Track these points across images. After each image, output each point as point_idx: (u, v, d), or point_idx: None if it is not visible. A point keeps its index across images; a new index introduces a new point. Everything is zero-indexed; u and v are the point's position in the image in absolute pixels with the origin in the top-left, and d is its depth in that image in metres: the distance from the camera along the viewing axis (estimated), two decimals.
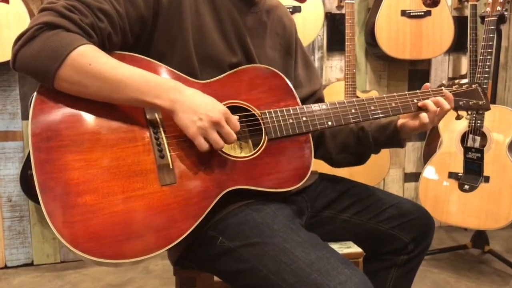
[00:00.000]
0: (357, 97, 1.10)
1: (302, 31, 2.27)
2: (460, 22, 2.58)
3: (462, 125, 2.16)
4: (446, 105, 1.10)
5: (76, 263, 2.36)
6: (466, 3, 2.60)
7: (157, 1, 0.98)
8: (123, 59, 0.91)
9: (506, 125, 2.09)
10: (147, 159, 0.89)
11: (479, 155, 2.06)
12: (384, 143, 1.18)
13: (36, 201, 0.89)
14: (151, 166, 0.88)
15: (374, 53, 2.56)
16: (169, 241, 0.85)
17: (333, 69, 2.61)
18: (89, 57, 0.86)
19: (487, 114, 2.11)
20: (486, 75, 2.07)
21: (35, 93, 0.88)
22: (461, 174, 2.12)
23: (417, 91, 1.13)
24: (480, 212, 2.06)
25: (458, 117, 1.17)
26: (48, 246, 2.37)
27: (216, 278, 1.09)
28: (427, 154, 2.39)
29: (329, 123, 1.06)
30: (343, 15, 2.37)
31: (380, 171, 2.43)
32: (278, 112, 1.03)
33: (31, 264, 2.36)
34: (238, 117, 0.95)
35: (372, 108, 1.09)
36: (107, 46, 0.93)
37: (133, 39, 0.99)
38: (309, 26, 2.33)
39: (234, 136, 0.91)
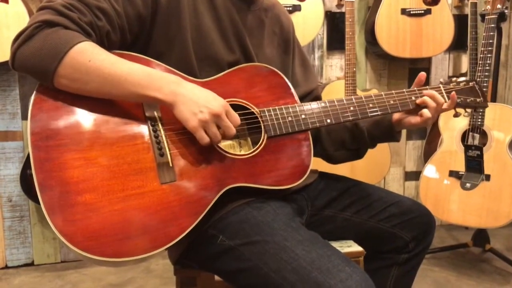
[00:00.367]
0: (357, 95, 1.10)
1: (302, 30, 2.28)
2: (460, 20, 2.58)
3: (463, 123, 2.16)
4: (440, 99, 1.10)
5: (77, 263, 2.36)
6: (466, 1, 2.60)
7: (156, 0, 0.98)
8: (121, 57, 0.91)
9: (506, 123, 2.08)
10: (146, 157, 0.89)
11: (478, 152, 2.06)
12: (379, 137, 1.19)
13: (36, 201, 0.89)
14: (151, 164, 0.88)
15: (374, 51, 2.56)
16: (169, 239, 0.85)
17: (333, 67, 2.61)
18: (88, 54, 0.86)
19: (487, 112, 2.11)
20: (486, 74, 2.07)
21: (34, 92, 0.88)
22: (462, 173, 2.12)
23: (415, 88, 1.14)
24: (481, 210, 2.06)
25: (456, 115, 1.18)
26: (49, 246, 2.37)
27: (216, 278, 1.08)
28: (428, 153, 2.39)
29: (328, 120, 1.06)
30: (343, 14, 2.37)
31: (381, 170, 2.43)
32: (277, 110, 1.03)
33: (31, 264, 2.36)
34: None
35: (371, 105, 1.09)
36: (105, 44, 0.93)
37: (132, 38, 0.99)
38: (309, 25, 2.33)
39: (234, 130, 0.91)
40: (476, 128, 2.12)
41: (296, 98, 1.09)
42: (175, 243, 0.86)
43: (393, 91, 1.12)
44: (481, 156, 2.05)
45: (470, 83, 1.19)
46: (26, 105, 2.26)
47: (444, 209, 2.14)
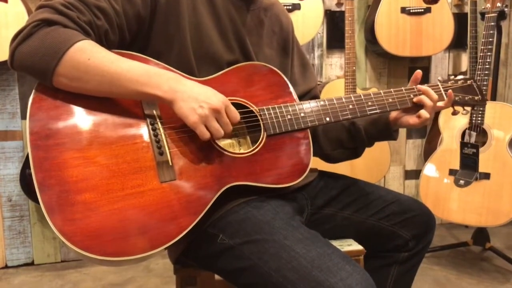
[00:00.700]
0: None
1: (301, 29, 2.28)
2: (460, 19, 2.58)
3: (463, 122, 2.16)
4: (434, 96, 1.10)
5: (77, 263, 2.36)
6: None
7: None
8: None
9: (506, 122, 2.08)
10: (146, 156, 0.88)
11: (474, 150, 2.06)
12: (376, 136, 1.19)
13: (36, 201, 0.88)
14: (150, 163, 0.88)
15: (374, 50, 2.55)
16: (169, 239, 0.85)
17: (333, 66, 2.61)
18: (88, 53, 0.86)
19: (487, 111, 2.11)
20: (486, 72, 2.06)
21: (33, 91, 0.87)
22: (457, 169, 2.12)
23: (413, 86, 1.13)
24: (481, 209, 2.06)
25: (454, 113, 1.18)
26: (49, 245, 2.37)
27: (216, 277, 1.08)
28: (428, 152, 2.39)
29: (327, 119, 1.06)
30: (342, 13, 2.37)
31: (381, 169, 2.43)
32: (276, 108, 1.03)
33: (31, 263, 2.36)
34: None
35: (370, 104, 1.09)
36: (104, 44, 0.93)
37: (130, 37, 0.99)
38: (309, 24, 2.32)
39: (231, 126, 0.91)
40: (476, 126, 2.12)
41: (295, 96, 1.09)
42: (174, 242, 0.86)
43: (391, 89, 1.12)
44: (476, 154, 2.05)
45: (468, 81, 1.19)
46: (25, 104, 2.26)
47: (444, 208, 2.14)
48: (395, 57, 2.45)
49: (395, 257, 1.16)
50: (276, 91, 1.07)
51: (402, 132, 2.72)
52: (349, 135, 1.21)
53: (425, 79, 2.63)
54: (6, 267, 2.33)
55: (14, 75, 2.25)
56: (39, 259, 2.37)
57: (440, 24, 2.38)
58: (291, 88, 1.10)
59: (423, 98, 1.10)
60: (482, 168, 2.07)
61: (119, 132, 0.89)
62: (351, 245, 1.16)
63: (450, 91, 1.12)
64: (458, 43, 2.61)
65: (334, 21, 2.54)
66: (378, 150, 2.35)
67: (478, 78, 2.06)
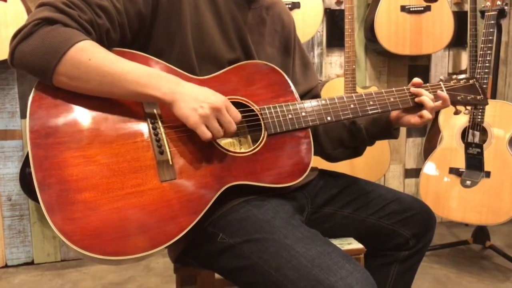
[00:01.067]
0: (357, 93, 1.09)
1: (301, 27, 2.27)
2: (460, 17, 2.58)
3: (463, 120, 2.16)
4: (429, 97, 1.10)
5: (77, 262, 2.36)
6: None
7: None
8: (121, 55, 0.91)
9: (506, 120, 2.08)
10: (146, 155, 0.88)
11: (479, 150, 2.06)
12: (377, 135, 1.19)
13: (36, 200, 0.88)
14: (151, 162, 0.88)
15: (374, 49, 2.55)
16: (168, 238, 0.85)
17: (332, 65, 2.60)
18: (88, 53, 0.85)
19: (487, 109, 2.10)
20: (486, 70, 2.06)
21: (33, 90, 0.87)
22: (462, 170, 2.12)
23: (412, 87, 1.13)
24: (481, 207, 2.06)
25: (457, 112, 1.18)
26: (49, 244, 2.37)
27: (216, 275, 1.08)
28: (428, 150, 2.38)
29: (328, 118, 1.06)
30: (342, 11, 2.36)
31: (381, 167, 2.43)
32: (277, 107, 1.03)
33: (31, 263, 2.36)
34: None
35: (371, 103, 1.09)
36: (105, 42, 0.93)
37: (132, 35, 0.98)
38: (309, 22, 2.32)
39: (235, 125, 0.91)
40: (476, 125, 2.12)
41: (296, 95, 1.09)
42: (174, 241, 0.86)
43: (393, 89, 1.12)
44: (481, 154, 2.05)
45: (471, 81, 1.19)
46: (25, 103, 2.23)
47: (444, 206, 2.14)
48: (395, 56, 2.45)
49: (395, 256, 1.16)
50: (277, 90, 1.07)
51: (402, 130, 2.72)
52: (350, 134, 1.21)
53: (425, 78, 2.63)
54: (6, 266, 2.33)
55: (13, 74, 2.25)
56: (39, 259, 2.37)
57: (440, 22, 2.38)
58: (292, 87, 1.09)
59: (425, 98, 1.10)
60: None
61: (119, 131, 0.88)
62: (351, 244, 1.16)
63: (441, 93, 1.12)
64: (458, 41, 2.61)
65: (334, 20, 2.54)
66: (378, 149, 2.35)
67: (478, 76, 2.06)
